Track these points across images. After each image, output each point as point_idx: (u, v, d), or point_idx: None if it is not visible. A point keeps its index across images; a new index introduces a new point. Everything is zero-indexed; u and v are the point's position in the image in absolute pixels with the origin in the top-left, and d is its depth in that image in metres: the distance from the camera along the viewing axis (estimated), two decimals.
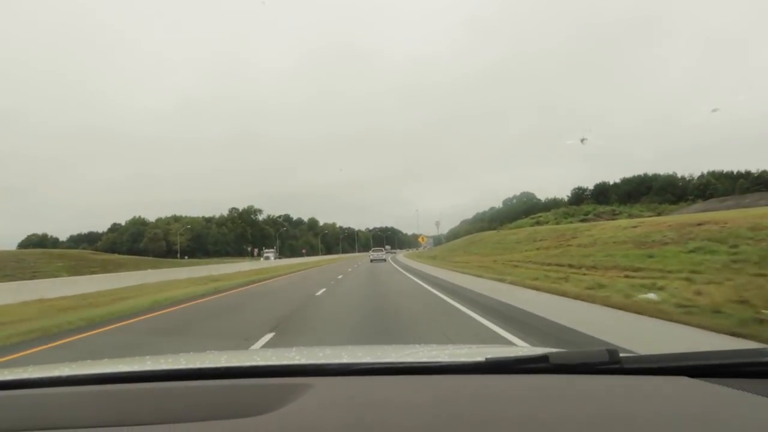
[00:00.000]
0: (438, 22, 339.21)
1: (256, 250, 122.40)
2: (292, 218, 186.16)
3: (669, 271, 12.44)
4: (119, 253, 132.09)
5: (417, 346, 2.54)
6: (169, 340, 7.88)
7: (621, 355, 1.31)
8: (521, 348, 4.49)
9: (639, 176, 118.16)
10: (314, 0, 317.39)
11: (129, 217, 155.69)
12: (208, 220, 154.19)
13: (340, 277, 24.20)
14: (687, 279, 10.94)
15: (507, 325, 7.55)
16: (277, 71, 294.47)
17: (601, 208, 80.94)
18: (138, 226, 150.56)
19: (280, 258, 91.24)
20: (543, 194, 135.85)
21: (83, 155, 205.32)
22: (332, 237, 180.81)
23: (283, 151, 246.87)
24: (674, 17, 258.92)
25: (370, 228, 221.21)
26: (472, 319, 8.37)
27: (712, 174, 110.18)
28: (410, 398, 1.18)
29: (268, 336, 7.57)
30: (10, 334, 8.68)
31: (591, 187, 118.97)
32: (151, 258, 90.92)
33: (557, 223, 65.44)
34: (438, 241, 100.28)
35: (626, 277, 12.87)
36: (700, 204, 67.98)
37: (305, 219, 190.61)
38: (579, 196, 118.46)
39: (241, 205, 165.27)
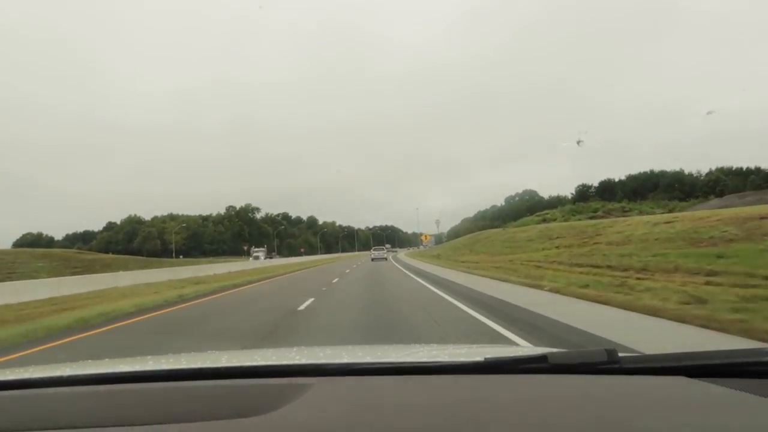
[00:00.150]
0: (438, 19, 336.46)
1: (252, 249, 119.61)
2: (291, 217, 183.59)
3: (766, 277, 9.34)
4: (114, 252, 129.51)
5: (417, 346, 2.43)
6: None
7: (620, 354, 1.30)
8: (521, 348, 4.41)
9: (645, 173, 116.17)
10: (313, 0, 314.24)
11: (125, 216, 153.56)
12: (205, 219, 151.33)
13: (335, 281, 20.96)
14: None
15: None
16: (276, 72, 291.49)
17: (610, 205, 78.26)
18: (133, 224, 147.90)
19: (271, 257, 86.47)
20: (544, 192, 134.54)
21: (80, 154, 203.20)
22: (331, 236, 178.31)
23: (281, 149, 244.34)
24: (676, 13, 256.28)
25: (370, 227, 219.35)
26: None
27: (721, 170, 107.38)
28: (410, 398, 1.19)
29: None
30: None
31: (596, 184, 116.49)
32: (141, 258, 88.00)
33: (566, 221, 62.58)
34: (438, 239, 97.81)
35: (708, 284, 9.74)
36: (717, 200, 65.08)
37: (304, 217, 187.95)
38: (583, 194, 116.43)
39: (239, 204, 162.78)
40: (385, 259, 56.26)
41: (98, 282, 21.70)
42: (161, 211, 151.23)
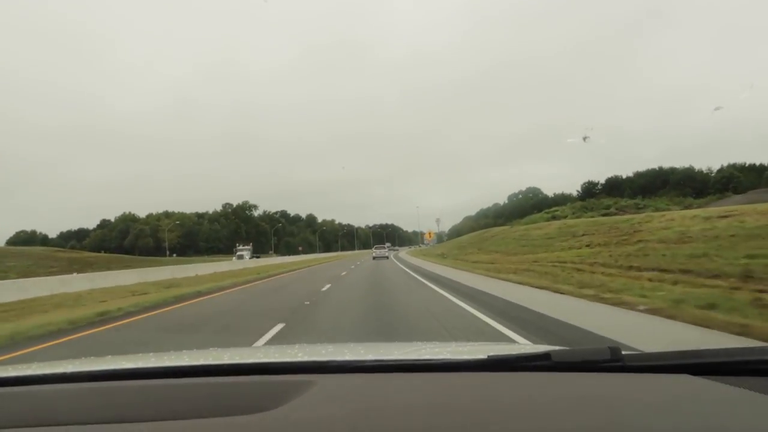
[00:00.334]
0: (439, 15, 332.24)
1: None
2: (290, 215, 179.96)
3: None
4: (107, 250, 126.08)
5: (420, 343, 2.40)
6: None
7: (623, 352, 1.29)
8: (523, 346, 4.36)
9: (653, 170, 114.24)
10: None
11: (120, 214, 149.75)
12: (200, 216, 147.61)
13: (325, 288, 16.44)
14: None
15: None
16: (275, 66, 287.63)
17: (622, 202, 74.87)
18: (127, 222, 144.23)
19: (258, 257, 78.14)
20: (546, 190, 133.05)
21: (77, 152, 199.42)
22: (331, 234, 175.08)
23: (280, 147, 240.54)
24: (680, 10, 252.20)
25: (370, 225, 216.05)
26: None
27: (733, 167, 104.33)
28: (412, 395, 1.19)
29: None
30: None
31: (602, 181, 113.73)
32: (129, 256, 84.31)
33: (578, 218, 58.89)
34: (439, 238, 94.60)
35: None
36: (739, 196, 61.45)
37: (303, 216, 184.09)
38: (590, 191, 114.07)
39: (237, 202, 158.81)
40: (387, 257, 55.75)
41: (41, 286, 17.94)
42: (158, 209, 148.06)
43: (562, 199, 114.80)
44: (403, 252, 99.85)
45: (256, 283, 22.54)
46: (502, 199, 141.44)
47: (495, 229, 67.71)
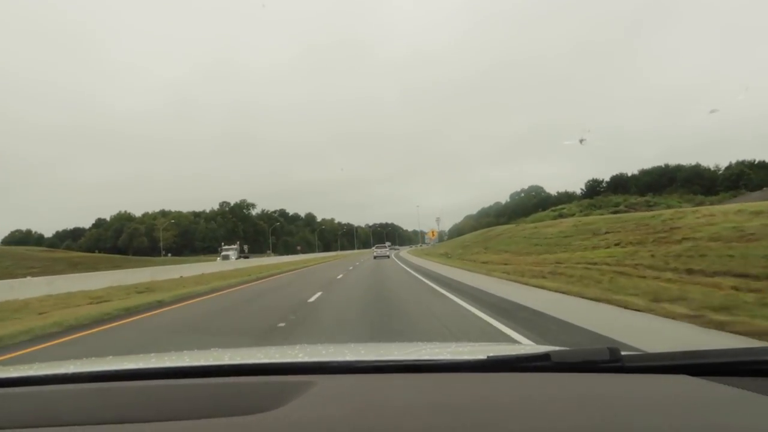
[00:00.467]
0: (439, 14, 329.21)
1: (245, 247, 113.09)
2: (289, 214, 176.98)
3: None
4: (102, 250, 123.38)
5: (420, 343, 2.40)
6: None
7: (622, 353, 1.29)
8: (523, 346, 4.31)
9: (659, 167, 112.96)
10: None
11: (116, 213, 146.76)
12: (197, 215, 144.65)
13: (313, 299, 12.92)
14: None
15: None
16: (275, 65, 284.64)
17: (632, 199, 72.22)
18: (123, 221, 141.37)
19: (247, 257, 72.44)
20: (547, 189, 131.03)
21: (75, 151, 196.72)
22: (330, 233, 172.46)
23: (280, 146, 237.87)
24: (678, 11, 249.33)
25: (370, 224, 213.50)
26: None
27: (742, 164, 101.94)
28: (412, 396, 1.18)
29: None
30: None
31: (606, 179, 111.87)
32: (120, 256, 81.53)
33: (586, 215, 56.17)
34: (440, 237, 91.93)
35: None
36: (759, 192, 58.64)
37: (302, 215, 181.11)
38: (594, 189, 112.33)
39: (235, 200, 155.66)
40: (388, 256, 54.73)
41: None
42: (156, 208, 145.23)
43: (566, 198, 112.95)
44: (404, 251, 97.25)
45: (238, 288, 19.63)
46: (502, 198, 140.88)
47: (499, 228, 65.02)
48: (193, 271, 32.86)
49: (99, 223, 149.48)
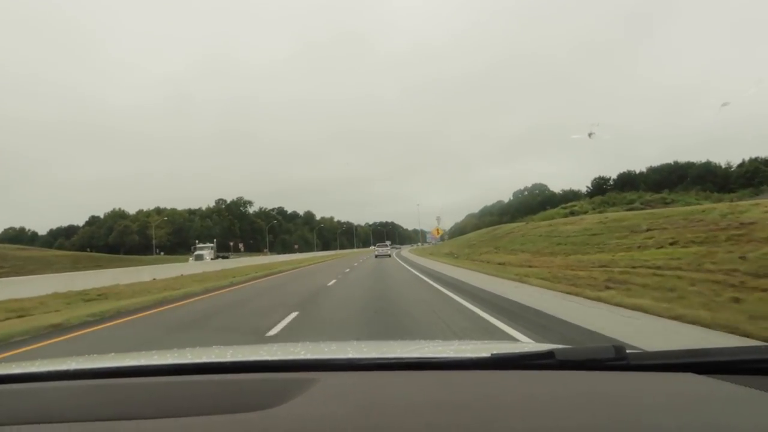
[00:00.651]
0: (441, 7, 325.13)
1: (241, 246, 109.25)
2: (287, 211, 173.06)
3: None
4: (95, 248, 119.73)
5: (422, 341, 2.37)
6: None
7: (627, 351, 1.27)
8: (527, 344, 4.34)
9: (668, 164, 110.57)
10: None
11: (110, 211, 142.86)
12: (192, 213, 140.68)
13: (281, 327, 8.41)
14: None
15: None
16: (273, 62, 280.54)
17: (647, 196, 68.67)
18: (117, 219, 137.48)
19: (225, 256, 63.58)
20: (550, 187, 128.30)
21: (71, 149, 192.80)
22: (329, 232, 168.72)
23: (279, 144, 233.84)
24: (685, 7, 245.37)
25: (370, 223, 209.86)
26: None
27: (756, 160, 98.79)
28: (415, 393, 1.18)
29: None
30: None
31: (613, 176, 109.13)
32: (107, 255, 77.82)
33: (601, 212, 52.61)
34: (440, 236, 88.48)
35: None
36: None
37: (301, 213, 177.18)
38: (600, 186, 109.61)
39: (232, 198, 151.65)
40: (389, 255, 53.36)
41: None
42: (152, 206, 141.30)
43: (572, 195, 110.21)
44: (405, 250, 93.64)
45: (204, 297, 15.71)
46: (504, 197, 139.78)
47: (508, 226, 61.36)
48: (171, 272, 29.04)
49: (92, 221, 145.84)
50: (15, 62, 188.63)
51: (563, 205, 74.46)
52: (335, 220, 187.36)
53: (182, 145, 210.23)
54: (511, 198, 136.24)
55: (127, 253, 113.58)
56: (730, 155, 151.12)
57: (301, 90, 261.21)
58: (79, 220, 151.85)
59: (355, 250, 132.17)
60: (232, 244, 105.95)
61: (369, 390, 1.21)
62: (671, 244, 17.35)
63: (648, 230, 21.80)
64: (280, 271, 30.93)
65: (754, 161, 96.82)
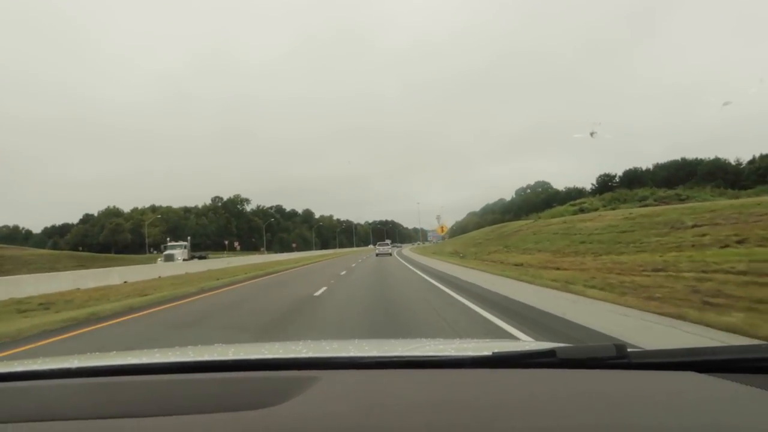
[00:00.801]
0: (442, 3, 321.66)
1: (237, 244, 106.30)
2: (285, 210, 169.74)
3: None
4: (88, 246, 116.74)
5: (424, 340, 2.32)
6: None
7: (629, 350, 1.27)
8: (528, 343, 4.30)
9: (676, 161, 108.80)
10: None
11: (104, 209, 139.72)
12: (187, 211, 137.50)
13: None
14: None
15: None
16: (273, 59, 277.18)
17: (660, 192, 65.57)
18: (111, 217, 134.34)
19: (203, 256, 58.03)
20: (553, 185, 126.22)
21: (67, 146, 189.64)
22: (329, 230, 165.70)
23: (278, 142, 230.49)
24: (687, 6, 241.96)
25: (370, 221, 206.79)
26: None
27: (766, 157, 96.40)
28: (417, 392, 1.18)
29: None
30: None
31: (619, 173, 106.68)
32: (92, 254, 74.72)
33: (613, 209, 49.51)
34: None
35: None
36: None
37: (300, 211, 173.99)
38: (606, 184, 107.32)
39: (229, 196, 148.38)
40: (390, 254, 53.17)
41: None
42: (149, 205, 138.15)
43: (576, 193, 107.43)
44: (407, 249, 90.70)
45: (156, 310, 12.40)
46: (504, 195, 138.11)
47: (515, 224, 58.37)
48: (149, 273, 25.99)
49: (86, 219, 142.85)
50: (11, 60, 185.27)
51: (571, 202, 71.35)
52: (334, 218, 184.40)
53: (181, 143, 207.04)
54: (514, 196, 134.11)
55: (119, 251, 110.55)
56: (731, 153, 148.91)
57: (301, 88, 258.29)
58: (75, 219, 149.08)
59: (355, 248, 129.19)
60: (227, 242, 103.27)
61: (370, 388, 1.20)
62: (739, 242, 14.24)
63: (695, 226, 18.72)
64: (267, 274, 27.56)
65: (766, 158, 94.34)
